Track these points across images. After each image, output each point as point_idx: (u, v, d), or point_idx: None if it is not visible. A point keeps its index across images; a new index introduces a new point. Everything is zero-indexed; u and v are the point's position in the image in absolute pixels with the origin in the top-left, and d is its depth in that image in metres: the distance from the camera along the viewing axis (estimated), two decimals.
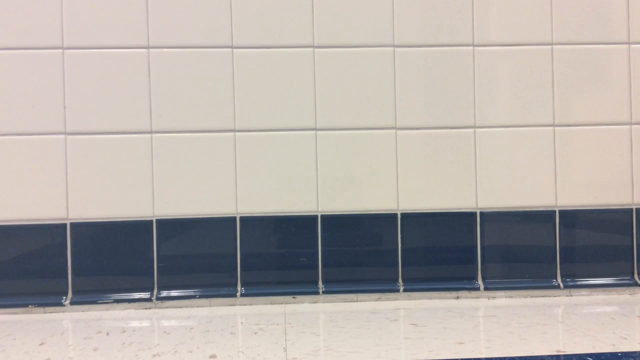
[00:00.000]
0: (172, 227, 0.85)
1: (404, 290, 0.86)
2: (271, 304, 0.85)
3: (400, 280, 0.87)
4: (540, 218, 0.88)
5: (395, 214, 0.87)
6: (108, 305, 0.83)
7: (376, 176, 0.87)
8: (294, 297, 0.85)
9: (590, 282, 0.88)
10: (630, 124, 0.90)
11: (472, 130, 0.88)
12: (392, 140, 0.88)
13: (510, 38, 0.89)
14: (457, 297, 0.87)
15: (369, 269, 0.87)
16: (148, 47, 0.85)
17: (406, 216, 0.87)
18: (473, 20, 0.88)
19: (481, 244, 0.88)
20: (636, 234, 0.89)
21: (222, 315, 0.80)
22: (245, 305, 0.84)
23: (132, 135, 0.85)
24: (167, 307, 0.84)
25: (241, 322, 0.75)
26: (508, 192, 0.88)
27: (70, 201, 0.84)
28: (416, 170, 0.88)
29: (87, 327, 0.75)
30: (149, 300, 0.84)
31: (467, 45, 0.88)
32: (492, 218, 0.88)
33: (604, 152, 0.89)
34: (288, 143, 0.87)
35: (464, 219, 0.88)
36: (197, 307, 0.84)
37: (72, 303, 0.83)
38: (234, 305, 0.84)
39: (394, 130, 0.88)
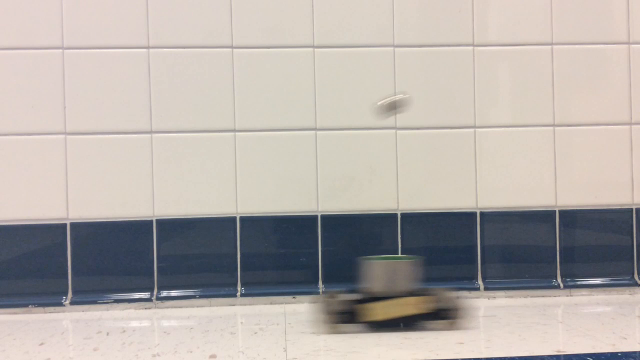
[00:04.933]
0: (172, 227, 0.85)
1: None
2: (271, 304, 0.85)
3: None
4: (540, 218, 0.88)
5: (395, 214, 0.87)
6: (108, 305, 0.83)
7: (376, 176, 0.87)
8: (294, 297, 0.85)
9: (590, 282, 0.88)
10: (630, 124, 0.90)
11: (472, 130, 0.88)
12: (392, 140, 0.88)
13: (510, 38, 0.89)
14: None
15: None
16: (148, 47, 0.85)
17: (406, 216, 0.87)
18: (473, 20, 0.88)
19: (481, 244, 0.88)
20: (636, 234, 0.89)
21: (222, 315, 0.80)
22: (245, 305, 0.84)
23: (132, 135, 0.85)
24: (167, 307, 0.84)
25: (241, 322, 0.75)
26: (508, 192, 0.88)
27: (70, 201, 0.84)
28: (416, 170, 0.88)
29: (87, 327, 0.75)
30: (149, 300, 0.84)
31: (467, 45, 0.88)
32: (492, 218, 0.88)
33: (604, 152, 0.89)
34: (288, 143, 0.87)
35: (464, 219, 0.88)
36: (197, 307, 0.84)
37: (72, 303, 0.83)
38: (234, 305, 0.84)
39: (394, 130, 0.88)
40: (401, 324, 0.69)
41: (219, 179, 0.86)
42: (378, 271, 0.70)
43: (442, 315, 0.69)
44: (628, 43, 0.89)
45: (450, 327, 0.69)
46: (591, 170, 0.89)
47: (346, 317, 0.68)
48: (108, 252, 0.85)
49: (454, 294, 0.70)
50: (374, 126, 0.87)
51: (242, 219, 0.86)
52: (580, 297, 0.87)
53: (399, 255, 0.72)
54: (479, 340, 0.66)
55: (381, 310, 0.68)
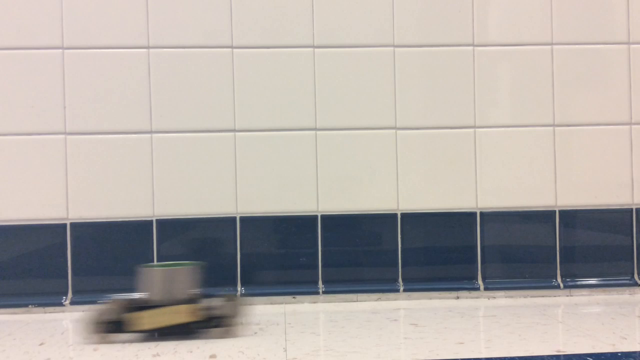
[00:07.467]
0: (172, 227, 0.85)
1: (404, 290, 0.86)
2: (271, 304, 0.85)
3: (400, 280, 0.87)
4: (540, 218, 0.88)
5: (395, 214, 0.87)
6: None
7: (376, 176, 0.87)
8: (294, 297, 0.85)
9: (590, 282, 0.88)
10: (630, 124, 0.90)
11: (472, 130, 0.88)
12: (392, 140, 0.88)
13: (510, 38, 0.89)
14: (457, 297, 0.87)
15: (369, 269, 0.87)
16: (148, 47, 0.85)
17: (406, 216, 0.87)
18: (473, 20, 0.88)
19: (481, 244, 0.88)
20: (636, 234, 0.89)
21: None
22: (245, 305, 0.84)
23: (132, 135, 0.85)
24: None
25: (241, 322, 0.75)
26: (508, 192, 0.88)
27: (70, 201, 0.84)
28: (416, 170, 0.88)
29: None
30: None
31: (467, 45, 0.88)
32: (492, 218, 0.88)
33: (604, 152, 0.89)
34: (288, 143, 0.87)
35: (464, 219, 0.88)
36: None
37: (72, 303, 0.83)
38: None
39: (394, 130, 0.88)
40: (156, 334, 0.67)
41: (219, 179, 0.86)
42: (155, 279, 0.68)
43: (216, 323, 0.68)
44: (628, 43, 0.89)
45: (223, 335, 0.68)
46: (591, 170, 0.89)
47: (114, 326, 0.66)
48: (108, 252, 0.85)
49: (234, 301, 0.69)
50: (374, 126, 0.87)
51: (242, 219, 0.86)
52: (580, 297, 0.87)
53: (178, 262, 0.71)
54: (479, 340, 0.66)
55: (149, 319, 0.66)
